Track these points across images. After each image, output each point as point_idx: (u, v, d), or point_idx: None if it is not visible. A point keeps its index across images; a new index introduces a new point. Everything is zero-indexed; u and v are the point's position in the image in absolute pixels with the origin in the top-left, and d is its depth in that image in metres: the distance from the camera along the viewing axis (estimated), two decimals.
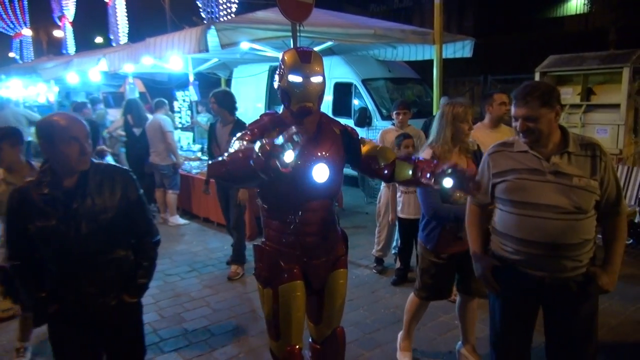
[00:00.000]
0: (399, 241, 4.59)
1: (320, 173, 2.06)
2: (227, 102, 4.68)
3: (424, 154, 2.86)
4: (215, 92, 4.77)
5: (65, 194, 2.00)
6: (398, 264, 4.58)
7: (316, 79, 2.03)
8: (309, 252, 2.19)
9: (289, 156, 1.67)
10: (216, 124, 4.79)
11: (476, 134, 3.23)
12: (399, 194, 4.33)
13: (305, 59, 2.02)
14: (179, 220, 6.76)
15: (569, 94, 6.78)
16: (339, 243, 2.35)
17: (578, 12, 21.80)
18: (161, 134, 6.37)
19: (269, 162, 1.68)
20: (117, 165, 2.25)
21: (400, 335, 3.26)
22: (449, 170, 2.03)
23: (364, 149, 2.28)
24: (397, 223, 4.54)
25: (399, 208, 4.35)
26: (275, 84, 2.10)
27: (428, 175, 2.12)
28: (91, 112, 6.78)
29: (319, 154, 2.10)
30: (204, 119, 8.98)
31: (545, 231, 2.06)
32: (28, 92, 16.60)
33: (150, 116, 6.91)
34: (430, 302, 3.10)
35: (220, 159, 1.96)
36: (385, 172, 2.27)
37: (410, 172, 2.22)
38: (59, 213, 1.98)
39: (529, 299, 2.22)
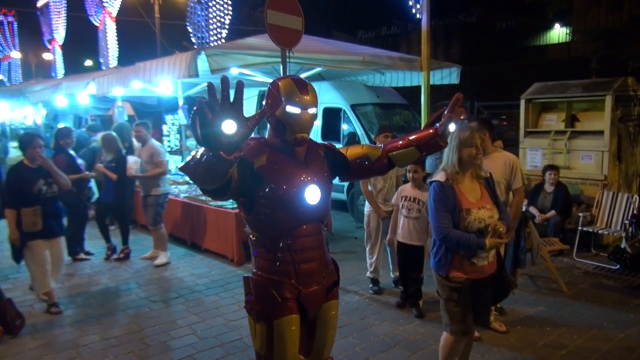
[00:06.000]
0: (395, 266, 4.56)
1: (313, 194, 2.08)
2: None
3: (438, 177, 2.81)
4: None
5: None
6: (401, 289, 4.55)
7: (312, 111, 2.05)
8: (304, 279, 2.13)
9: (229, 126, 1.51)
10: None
11: None
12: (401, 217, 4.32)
13: (303, 91, 2.02)
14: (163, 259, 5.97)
15: (554, 121, 6.93)
16: (332, 269, 2.32)
17: (560, 41, 22.50)
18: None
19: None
20: None
21: None
22: (446, 119, 2.24)
23: (349, 153, 2.33)
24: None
25: (399, 231, 4.33)
26: (267, 113, 2.06)
27: (435, 140, 2.29)
28: (73, 142, 6.12)
29: (310, 177, 2.11)
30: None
31: None
32: (15, 114, 16.53)
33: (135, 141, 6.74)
34: (467, 336, 2.88)
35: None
36: (385, 161, 2.35)
37: (417, 151, 2.33)
38: None
39: None
